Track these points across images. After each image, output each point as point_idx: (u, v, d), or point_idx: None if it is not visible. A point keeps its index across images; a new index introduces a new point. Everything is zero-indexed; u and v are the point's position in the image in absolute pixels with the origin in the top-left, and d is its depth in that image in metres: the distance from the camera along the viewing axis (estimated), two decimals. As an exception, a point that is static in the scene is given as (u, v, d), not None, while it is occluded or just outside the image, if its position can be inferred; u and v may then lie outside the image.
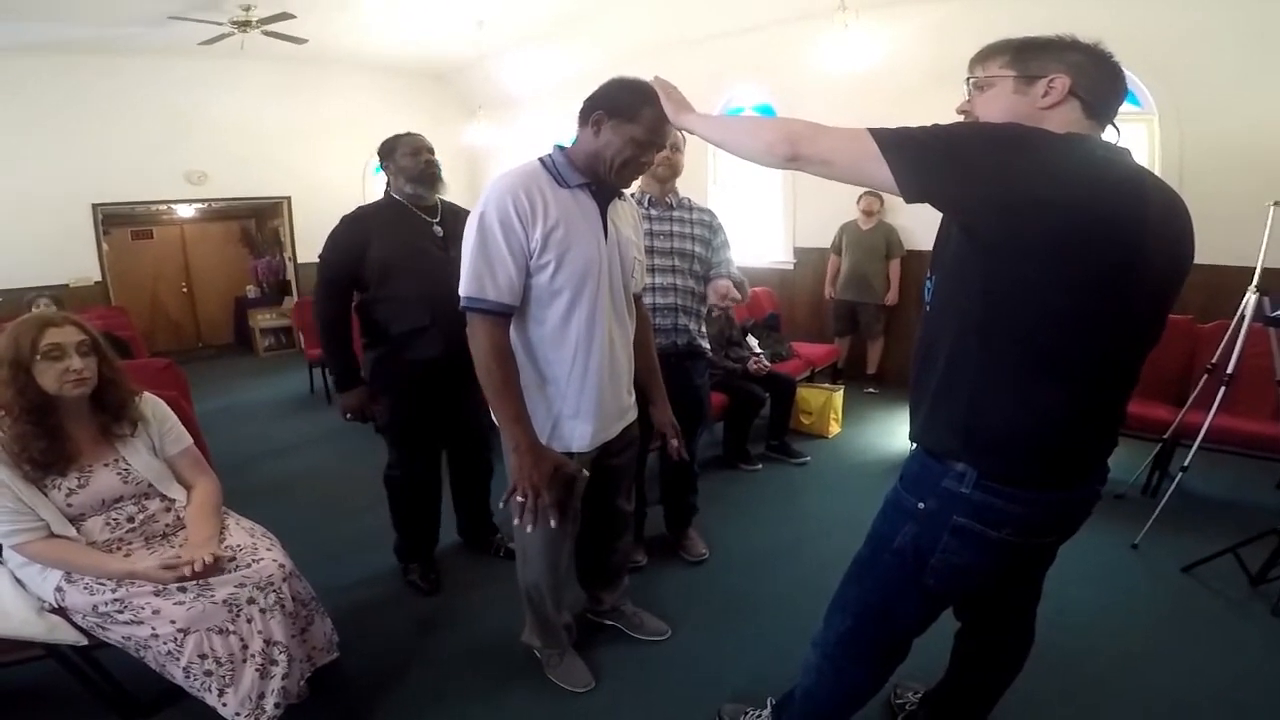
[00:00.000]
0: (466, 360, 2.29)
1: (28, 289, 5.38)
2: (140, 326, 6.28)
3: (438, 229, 2.29)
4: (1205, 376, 2.83)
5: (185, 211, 7.84)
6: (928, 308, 1.21)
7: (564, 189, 1.58)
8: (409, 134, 2.34)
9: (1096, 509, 1.25)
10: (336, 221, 2.29)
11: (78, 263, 6.38)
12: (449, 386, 2.27)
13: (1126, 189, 1.01)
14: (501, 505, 1.64)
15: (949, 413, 1.15)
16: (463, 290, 1.54)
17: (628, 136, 1.53)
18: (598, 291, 1.60)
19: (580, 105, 1.59)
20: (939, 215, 1.13)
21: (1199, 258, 1.15)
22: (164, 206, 7.41)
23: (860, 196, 4.77)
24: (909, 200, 1.05)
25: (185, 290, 8.20)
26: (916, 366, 1.24)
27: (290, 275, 7.72)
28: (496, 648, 2.09)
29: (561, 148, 1.64)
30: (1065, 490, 1.16)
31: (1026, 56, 1.10)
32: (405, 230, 2.25)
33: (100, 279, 6.55)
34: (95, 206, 6.45)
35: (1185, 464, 2.70)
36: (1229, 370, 2.66)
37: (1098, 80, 1.08)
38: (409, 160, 2.27)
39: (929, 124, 1.07)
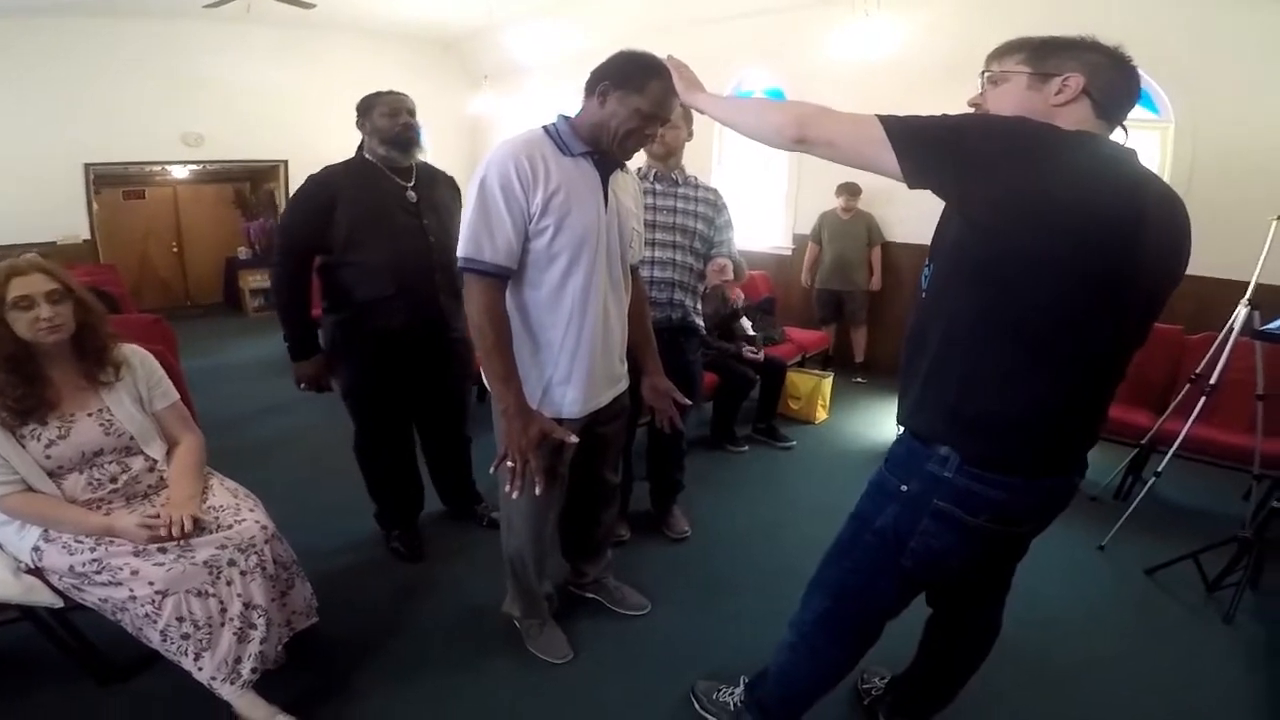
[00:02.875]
0: (433, 332, 2.26)
1: (14, 246, 5.35)
2: (129, 283, 6.27)
3: (411, 194, 2.19)
4: (1188, 386, 2.85)
5: (180, 173, 7.73)
6: (923, 294, 1.23)
7: (567, 156, 1.59)
8: (390, 92, 2.22)
9: (1071, 505, 1.28)
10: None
11: (67, 221, 6.36)
12: (413, 358, 2.22)
13: (1127, 189, 1.03)
14: (492, 470, 1.65)
15: (937, 396, 1.18)
16: (460, 251, 1.55)
17: (633, 108, 1.54)
18: (595, 258, 1.61)
19: (586, 79, 1.59)
20: (918, 209, 1.14)
21: (1193, 269, 1.16)
22: (158, 168, 7.32)
23: (839, 191, 4.80)
24: (911, 186, 1.08)
25: (176, 250, 8.09)
26: (908, 351, 1.26)
27: (284, 238, 7.68)
28: (477, 617, 2.11)
29: (566, 117, 1.65)
30: (1044, 479, 1.19)
31: (1044, 54, 1.12)
32: (375, 193, 2.14)
33: (89, 237, 6.52)
34: (88, 166, 6.42)
35: (1159, 470, 2.74)
36: (1212, 381, 2.68)
37: (1112, 82, 1.09)
38: (385, 121, 2.16)
39: (937, 113, 1.09)
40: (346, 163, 2.24)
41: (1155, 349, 3.26)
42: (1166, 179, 3.84)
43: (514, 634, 2.02)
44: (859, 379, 4.95)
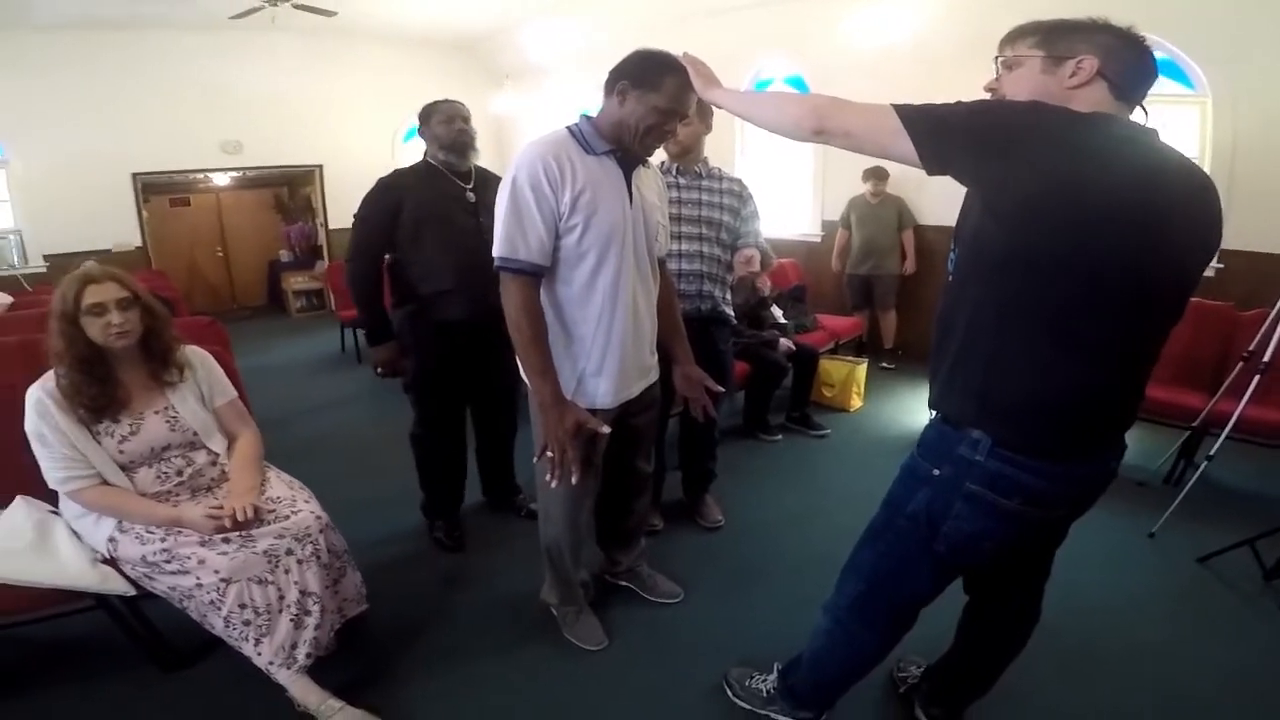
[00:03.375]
0: (490, 323, 2.32)
1: (74, 254, 5.60)
2: (179, 288, 6.50)
3: (470, 195, 2.34)
4: (1240, 365, 2.75)
5: (221, 180, 8.02)
6: (950, 278, 1.23)
7: (591, 156, 1.63)
8: (446, 101, 2.39)
9: (1114, 490, 1.26)
10: (367, 188, 2.35)
11: (120, 229, 6.64)
12: (472, 348, 2.34)
13: (1146, 168, 1.02)
14: (535, 461, 1.72)
15: (966, 380, 1.18)
16: (496, 251, 1.61)
17: (651, 105, 1.57)
18: (622, 253, 1.66)
19: (605, 75, 1.64)
20: (948, 190, 1.15)
21: (1243, 244, 1.14)
22: (200, 175, 7.60)
23: (866, 176, 4.73)
24: (930, 172, 1.09)
25: (221, 254, 8.41)
26: (937, 334, 1.27)
27: (322, 240, 7.91)
28: (516, 605, 2.18)
29: (588, 117, 1.69)
30: (1078, 463, 1.18)
31: (1056, 37, 1.12)
32: (437, 194, 2.31)
33: (141, 244, 6.80)
34: (135, 175, 6.68)
35: (1211, 453, 2.64)
36: (1265, 359, 2.58)
37: (1127, 62, 1.09)
38: (443, 128, 2.33)
39: (953, 100, 1.09)
40: (413, 166, 2.41)
41: (1205, 327, 3.14)
42: (1207, 155, 3.71)
43: (551, 621, 2.08)
44: (886, 364, 4.88)
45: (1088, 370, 1.10)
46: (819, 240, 5.60)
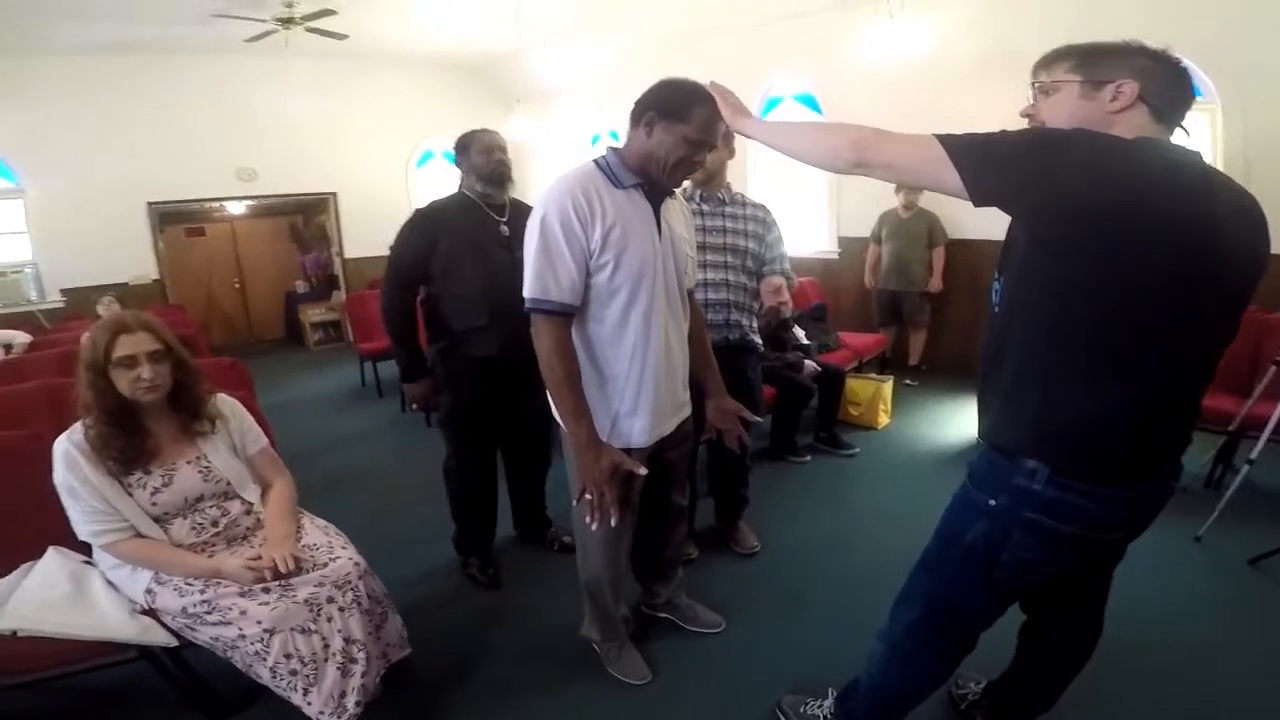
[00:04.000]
0: (523, 358, 2.30)
1: (92, 288, 5.61)
2: (197, 321, 6.49)
3: (504, 228, 2.31)
4: (1274, 368, 2.72)
5: (235, 209, 8.07)
6: (995, 309, 1.23)
7: (619, 190, 1.61)
8: (484, 131, 2.36)
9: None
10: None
11: (136, 261, 6.59)
12: (505, 384, 2.32)
13: (1195, 190, 1.02)
14: (575, 503, 1.70)
15: (1020, 411, 1.17)
16: (527, 292, 1.59)
17: (680, 136, 1.55)
18: (654, 289, 1.63)
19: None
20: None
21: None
22: (216, 204, 7.62)
23: (899, 188, 4.67)
24: (977, 204, 1.08)
25: (238, 286, 8.46)
26: (985, 367, 1.26)
27: (338, 270, 7.89)
28: (557, 641, 2.15)
29: (614, 149, 1.67)
30: (1137, 485, 1.17)
31: (1093, 61, 1.11)
32: (473, 228, 2.29)
33: (158, 276, 6.77)
34: (151, 205, 6.64)
35: (1252, 456, 2.62)
36: (1300, 362, 2.56)
37: (1165, 85, 1.09)
38: (481, 158, 2.30)
39: (995, 129, 1.09)
40: (449, 198, 2.39)
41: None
42: (1221, 161, 3.71)
43: (593, 657, 2.05)
44: (910, 381, 4.82)
45: (1146, 393, 1.09)
46: (836, 257, 5.59)
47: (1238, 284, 1.09)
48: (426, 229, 2.28)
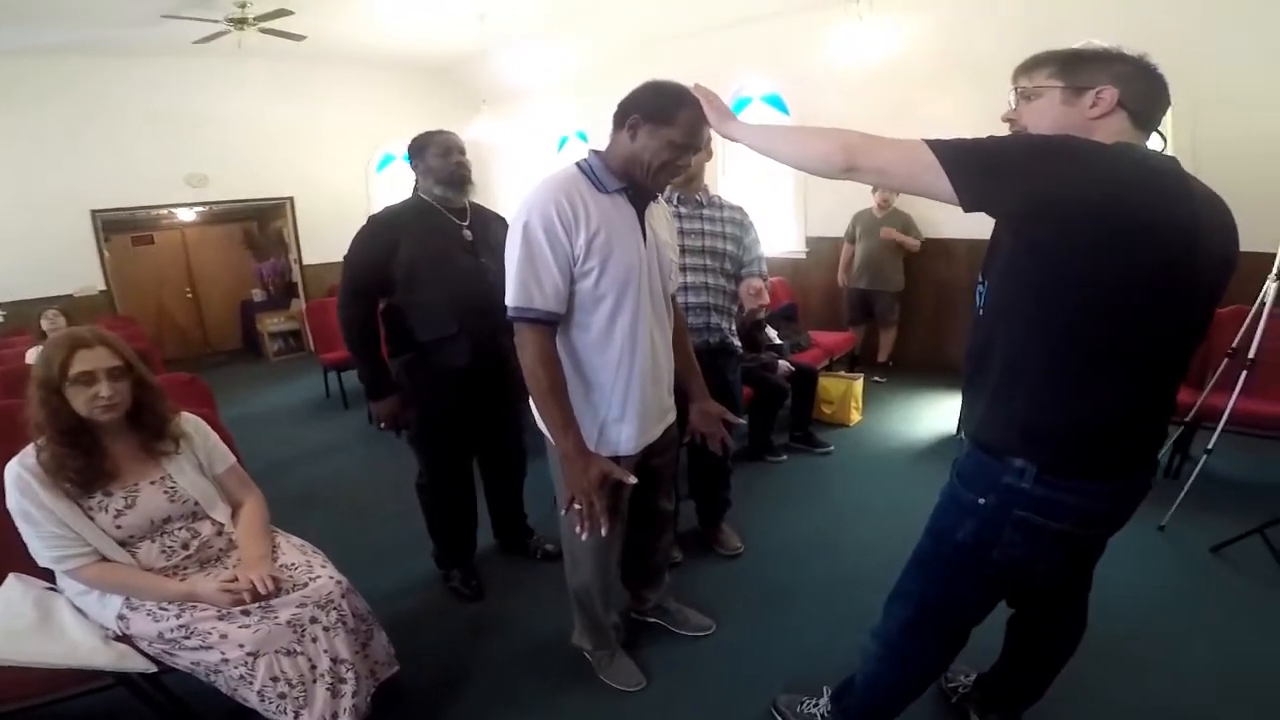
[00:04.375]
0: (494, 367, 2.25)
1: (35, 300, 5.37)
2: (149, 334, 6.22)
3: (467, 233, 2.23)
4: (1226, 360, 2.84)
5: (186, 215, 7.76)
6: (980, 312, 1.25)
7: (603, 194, 1.58)
8: (440, 132, 2.25)
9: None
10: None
11: (81, 271, 6.30)
12: (478, 394, 2.25)
13: (1175, 194, 1.05)
14: (563, 514, 1.67)
15: (1008, 411, 1.19)
16: (510, 300, 1.55)
17: (664, 140, 1.52)
18: (639, 295, 1.61)
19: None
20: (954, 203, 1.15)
21: None
22: (165, 211, 7.32)
23: (875, 188, 4.71)
24: (967, 209, 1.09)
25: (190, 295, 8.15)
26: (970, 367, 1.28)
27: (296, 277, 7.66)
28: (547, 651, 2.12)
29: (597, 152, 1.64)
30: (1122, 480, 1.21)
31: (1074, 68, 1.14)
32: (435, 234, 2.18)
33: (105, 288, 6.48)
34: (95, 213, 6.35)
35: (1209, 446, 2.73)
36: (1251, 355, 2.68)
37: (1143, 91, 1.12)
38: (439, 161, 2.19)
39: (981, 135, 1.10)
40: (405, 203, 2.27)
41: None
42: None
43: (584, 665, 2.03)
44: (878, 378, 4.89)
45: (1130, 390, 1.13)
46: (804, 256, 5.65)
47: (1212, 283, 1.12)
48: (384, 236, 2.16)
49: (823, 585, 2.42)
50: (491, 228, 2.32)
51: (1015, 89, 1.21)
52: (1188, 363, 1.20)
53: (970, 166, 1.07)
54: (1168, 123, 3.87)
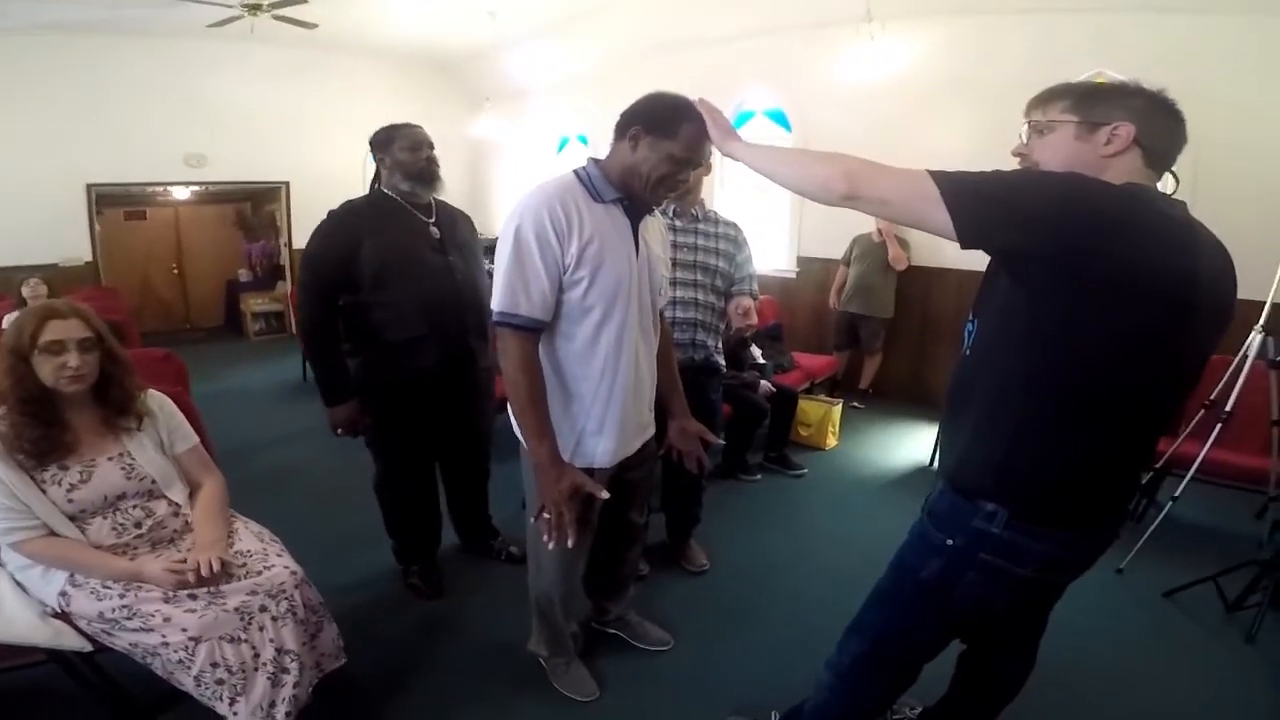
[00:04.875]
0: (463, 368, 2.23)
1: (17, 268, 5.35)
2: (130, 306, 6.24)
3: (435, 230, 2.17)
4: (1202, 411, 2.86)
5: (181, 194, 7.76)
6: (967, 351, 1.22)
7: (598, 204, 1.57)
8: (407, 125, 2.17)
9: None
10: (333, 207, 2.14)
11: (69, 242, 6.33)
12: (443, 395, 2.20)
13: (1177, 245, 1.01)
14: (532, 521, 1.66)
15: (985, 453, 1.17)
16: (495, 305, 1.53)
17: (665, 153, 1.51)
18: (628, 308, 1.60)
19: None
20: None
21: None
22: (160, 188, 7.33)
23: None
24: (964, 246, 1.05)
25: (176, 272, 8.10)
26: (951, 405, 1.25)
27: (284, 260, 7.67)
28: (501, 654, 2.10)
29: (596, 161, 1.63)
30: (1090, 529, 1.19)
31: (1090, 102, 1.09)
32: (402, 231, 2.11)
33: (91, 259, 6.48)
34: (90, 187, 6.39)
35: (1176, 494, 2.74)
36: (1228, 408, 2.70)
37: (1160, 129, 1.08)
38: (407, 155, 2.12)
39: (988, 170, 1.07)
40: (367, 197, 2.20)
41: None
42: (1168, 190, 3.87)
43: (539, 671, 2.00)
44: (857, 404, 4.87)
45: (1112, 443, 1.10)
46: (794, 276, 5.64)
47: (1207, 337, 1.10)
48: (348, 230, 2.07)
49: (784, 607, 2.41)
50: (459, 225, 2.29)
51: (1028, 122, 1.17)
52: (1174, 414, 1.17)
53: (971, 202, 1.03)
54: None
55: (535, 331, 1.55)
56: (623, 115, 1.57)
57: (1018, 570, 1.18)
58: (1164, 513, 2.76)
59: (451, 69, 7.83)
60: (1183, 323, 1.03)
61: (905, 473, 3.76)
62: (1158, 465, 2.98)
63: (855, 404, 4.87)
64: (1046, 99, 1.15)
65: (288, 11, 5.07)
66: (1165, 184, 1.13)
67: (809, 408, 4.09)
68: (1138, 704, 1.98)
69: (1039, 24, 3.95)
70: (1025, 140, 1.18)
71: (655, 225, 1.77)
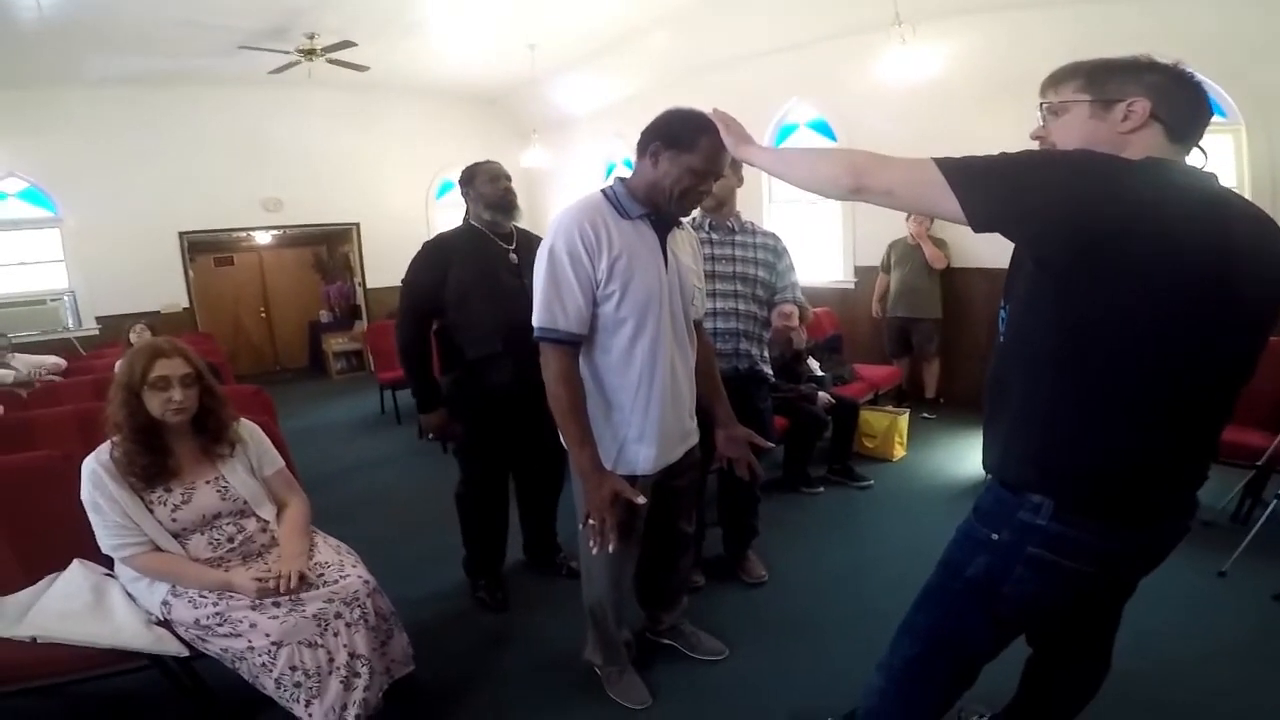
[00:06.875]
0: (537, 385, 2.33)
1: (125, 316, 5.77)
2: (225, 350, 6.62)
3: (513, 256, 2.36)
4: (1307, 401, 2.66)
5: (262, 238, 8.28)
6: (1001, 338, 1.20)
7: (626, 220, 1.65)
8: (488, 161, 2.43)
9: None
10: (403, 246, 2.38)
11: (168, 289, 6.79)
12: (520, 412, 2.31)
13: (1205, 216, 0.98)
14: (580, 529, 1.72)
15: (1025, 444, 1.14)
16: (535, 321, 1.63)
17: (685, 166, 1.58)
18: (660, 319, 1.66)
19: (631, 128, 1.67)
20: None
21: None
22: (243, 234, 7.83)
23: (910, 215, 4.61)
24: (977, 230, 1.04)
25: (264, 315, 8.64)
26: (990, 396, 1.22)
27: (360, 300, 8.04)
28: (559, 664, 2.15)
29: (622, 179, 1.71)
30: (1145, 521, 1.12)
31: (1102, 79, 1.07)
32: (483, 257, 2.32)
33: (188, 305, 6.96)
34: (182, 235, 6.85)
35: (1280, 492, 2.56)
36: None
37: (1179, 102, 1.04)
38: (489, 187, 2.36)
39: (994, 152, 1.06)
40: (457, 229, 2.44)
41: (1263, 364, 3.04)
42: (1248, 184, 3.63)
43: (594, 681, 2.04)
44: (927, 414, 4.74)
45: (1150, 429, 1.05)
46: (852, 287, 5.56)
47: (1256, 316, 1.04)
48: (437, 260, 2.32)
49: (842, 620, 2.37)
50: (535, 250, 2.43)
51: (1042, 104, 1.16)
52: (1231, 401, 1.10)
53: (977, 185, 1.03)
54: (1242, 143, 3.70)
55: (574, 345, 1.63)
56: (643, 134, 1.65)
57: (1068, 564, 1.12)
58: (1269, 510, 2.57)
59: (498, 103, 8.12)
60: (1220, 300, 0.98)
61: (975, 482, 3.59)
62: (1259, 463, 2.76)
63: (925, 414, 4.74)
64: (1059, 79, 1.13)
65: (340, 55, 5.42)
66: (1193, 159, 1.08)
67: (873, 418, 4.00)
68: (1242, 715, 1.83)
69: (1064, 16, 3.90)
70: (1042, 123, 1.17)
71: (684, 238, 1.82)
